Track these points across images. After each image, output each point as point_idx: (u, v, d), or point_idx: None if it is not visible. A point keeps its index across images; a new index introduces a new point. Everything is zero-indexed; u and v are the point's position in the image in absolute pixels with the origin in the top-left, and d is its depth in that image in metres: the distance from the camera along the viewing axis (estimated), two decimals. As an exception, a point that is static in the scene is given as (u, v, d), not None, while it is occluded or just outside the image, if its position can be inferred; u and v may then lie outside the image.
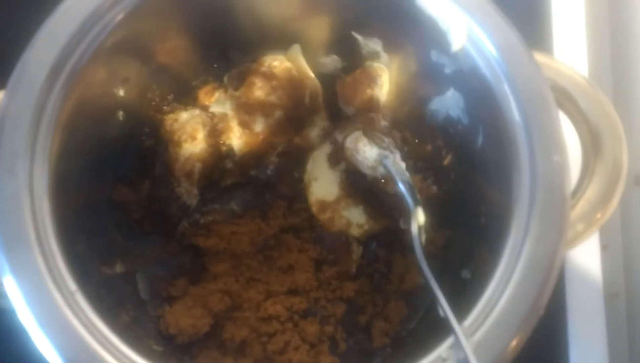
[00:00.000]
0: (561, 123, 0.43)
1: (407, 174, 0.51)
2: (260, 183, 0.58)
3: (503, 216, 0.43)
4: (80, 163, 0.48)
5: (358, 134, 0.54)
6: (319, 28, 0.55)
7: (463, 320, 0.39)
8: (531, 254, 0.40)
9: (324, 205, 0.56)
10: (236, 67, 0.58)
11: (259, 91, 0.56)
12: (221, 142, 0.57)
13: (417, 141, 0.57)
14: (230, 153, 0.57)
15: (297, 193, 0.57)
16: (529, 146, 0.42)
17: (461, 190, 0.54)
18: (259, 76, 0.56)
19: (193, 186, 0.56)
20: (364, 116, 0.56)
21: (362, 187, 0.55)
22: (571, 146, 0.43)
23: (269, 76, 0.56)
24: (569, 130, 0.46)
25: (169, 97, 0.58)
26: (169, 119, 0.57)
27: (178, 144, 0.56)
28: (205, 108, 0.58)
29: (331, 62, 0.58)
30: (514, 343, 0.39)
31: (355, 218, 0.56)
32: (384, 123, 0.56)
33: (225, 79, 0.59)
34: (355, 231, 0.56)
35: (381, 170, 0.52)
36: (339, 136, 0.56)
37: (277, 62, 0.56)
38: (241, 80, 0.57)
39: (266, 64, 0.56)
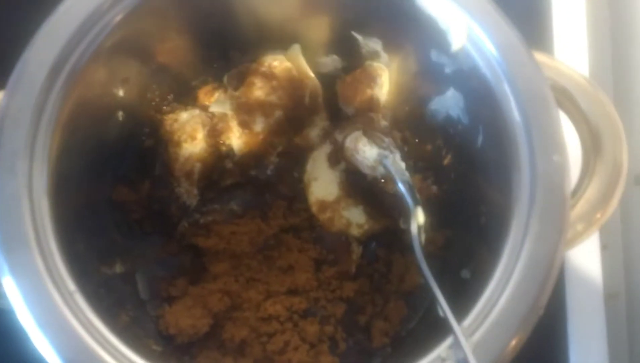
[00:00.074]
0: (561, 123, 0.43)
1: (406, 174, 0.51)
2: (260, 183, 0.57)
3: (503, 216, 0.43)
4: (80, 163, 0.48)
5: (358, 134, 0.54)
6: (319, 28, 0.55)
7: (462, 320, 0.39)
8: (531, 254, 0.40)
9: (323, 205, 0.56)
10: (236, 67, 0.58)
11: (259, 91, 0.56)
12: (221, 142, 0.57)
13: (417, 140, 0.57)
14: (230, 153, 0.57)
15: (297, 193, 0.57)
16: (529, 145, 0.42)
17: (461, 190, 0.54)
18: (259, 76, 0.56)
19: (193, 186, 0.56)
20: (364, 116, 0.56)
21: (362, 187, 0.55)
22: (571, 146, 0.43)
23: (269, 76, 0.56)
24: (569, 130, 0.46)
25: (168, 97, 0.58)
26: (168, 119, 0.57)
27: (178, 144, 0.56)
28: (205, 108, 0.58)
29: (331, 62, 0.58)
30: (513, 343, 0.39)
31: (355, 218, 0.56)
32: (384, 123, 0.56)
33: (225, 79, 0.58)
34: (355, 231, 0.56)
35: (381, 170, 0.52)
36: (338, 136, 0.56)
37: (277, 62, 0.56)
38: (241, 80, 0.57)
39: (266, 64, 0.56)
